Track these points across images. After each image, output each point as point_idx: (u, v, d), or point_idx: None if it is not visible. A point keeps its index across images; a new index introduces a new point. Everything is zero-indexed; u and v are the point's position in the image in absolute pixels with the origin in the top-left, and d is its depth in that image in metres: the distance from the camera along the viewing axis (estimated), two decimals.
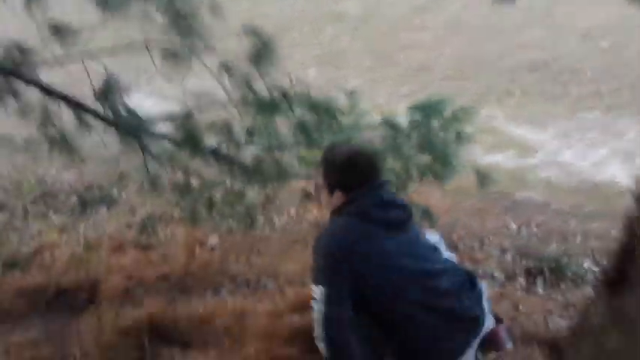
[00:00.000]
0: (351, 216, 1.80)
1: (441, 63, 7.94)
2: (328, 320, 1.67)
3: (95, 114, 3.06)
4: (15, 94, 3.00)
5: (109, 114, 3.01)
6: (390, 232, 1.79)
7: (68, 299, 2.86)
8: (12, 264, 3.29)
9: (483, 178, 3.40)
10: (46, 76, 2.95)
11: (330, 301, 1.68)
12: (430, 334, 1.73)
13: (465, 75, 7.42)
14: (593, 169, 4.88)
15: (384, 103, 6.25)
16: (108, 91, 3.00)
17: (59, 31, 2.94)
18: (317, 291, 1.69)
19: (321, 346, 1.69)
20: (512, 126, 5.93)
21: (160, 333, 2.45)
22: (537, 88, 6.85)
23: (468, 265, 3.34)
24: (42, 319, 2.66)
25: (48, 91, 3.00)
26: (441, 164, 3.38)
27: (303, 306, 2.72)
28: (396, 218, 1.84)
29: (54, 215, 4.47)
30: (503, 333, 1.87)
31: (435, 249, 1.93)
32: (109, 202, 4.56)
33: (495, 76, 7.30)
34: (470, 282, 1.85)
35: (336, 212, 1.87)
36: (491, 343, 1.87)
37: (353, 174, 1.86)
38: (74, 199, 4.72)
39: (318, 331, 1.69)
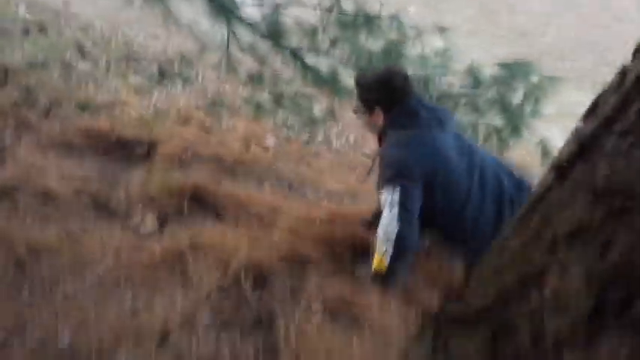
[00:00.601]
0: (407, 127, 2.03)
1: (544, 36, 7.57)
2: (403, 221, 1.97)
3: None
4: None
5: None
6: (441, 128, 2.07)
7: (127, 150, 3.09)
8: (84, 107, 3.57)
9: (547, 154, 3.35)
10: None
11: (403, 204, 1.96)
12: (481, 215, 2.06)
13: (564, 55, 7.06)
14: None
15: (475, 57, 6.07)
16: None
17: None
18: (387, 196, 1.97)
19: (385, 247, 2.00)
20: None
21: (199, 200, 2.64)
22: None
23: None
24: (99, 160, 2.91)
25: None
26: (510, 129, 3.35)
27: (334, 220, 2.86)
28: (444, 116, 2.12)
29: (133, 77, 4.75)
30: None
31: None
32: (185, 78, 4.78)
33: (596, 64, 6.90)
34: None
35: (385, 130, 2.10)
36: None
37: (392, 90, 2.05)
38: (155, 67, 4.96)
39: (388, 231, 1.98)
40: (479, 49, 6.60)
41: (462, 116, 3.49)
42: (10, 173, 2.44)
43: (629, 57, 0.74)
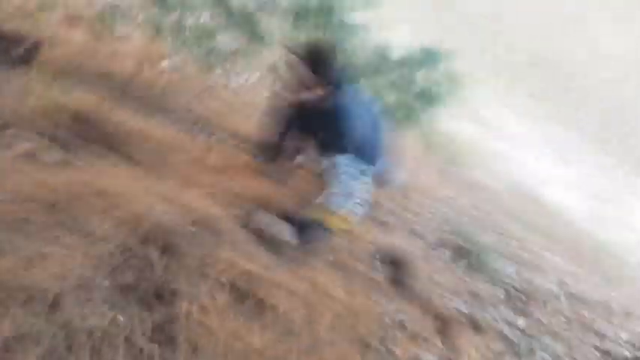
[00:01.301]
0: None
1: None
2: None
3: None
4: None
5: None
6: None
7: (3, 47, 2.68)
8: None
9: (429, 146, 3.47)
10: None
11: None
12: None
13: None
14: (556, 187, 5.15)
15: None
16: None
17: None
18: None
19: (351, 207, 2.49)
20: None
21: (80, 126, 2.38)
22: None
23: (407, 215, 3.51)
24: None
25: None
26: (403, 112, 3.41)
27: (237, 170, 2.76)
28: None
29: None
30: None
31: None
32: None
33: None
34: None
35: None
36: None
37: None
38: None
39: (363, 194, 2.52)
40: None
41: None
42: None
43: None
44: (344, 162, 2.49)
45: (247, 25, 3.21)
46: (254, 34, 3.22)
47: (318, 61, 2.51)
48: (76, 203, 1.87)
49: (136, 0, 4.27)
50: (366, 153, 2.60)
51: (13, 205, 1.79)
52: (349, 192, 2.49)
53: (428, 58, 3.25)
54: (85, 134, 2.40)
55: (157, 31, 3.55)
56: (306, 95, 2.59)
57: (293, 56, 2.52)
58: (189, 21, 3.95)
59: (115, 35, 3.54)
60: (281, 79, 3.61)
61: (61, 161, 2.10)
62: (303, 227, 2.47)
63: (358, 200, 2.52)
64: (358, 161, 2.54)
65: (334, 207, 2.46)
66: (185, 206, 2.09)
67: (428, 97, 3.27)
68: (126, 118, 2.65)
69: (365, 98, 2.84)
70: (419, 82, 3.28)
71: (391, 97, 3.37)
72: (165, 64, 3.61)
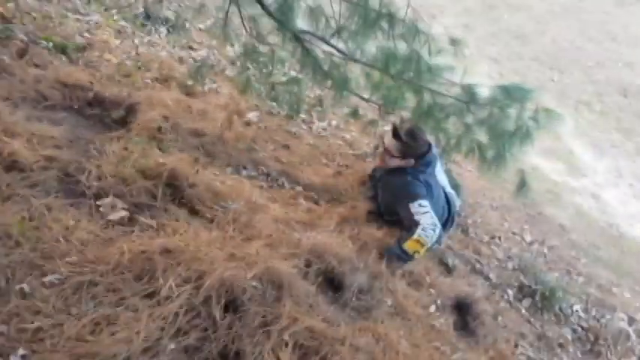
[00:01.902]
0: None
1: (539, 39, 7.40)
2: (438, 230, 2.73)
3: None
4: None
5: None
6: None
7: (103, 110, 2.78)
8: (62, 47, 3.19)
9: (522, 186, 3.26)
10: None
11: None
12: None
13: (556, 65, 6.95)
14: (628, 219, 4.71)
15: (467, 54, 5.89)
16: None
17: None
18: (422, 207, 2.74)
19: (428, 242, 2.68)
20: (574, 139, 5.64)
21: (174, 188, 2.41)
22: (619, 113, 6.43)
23: (470, 254, 3.30)
24: (73, 120, 2.60)
25: None
26: (494, 151, 3.22)
27: (309, 220, 2.70)
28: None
29: (116, 14, 4.30)
30: None
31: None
32: (172, 26, 4.39)
33: (584, 82, 6.84)
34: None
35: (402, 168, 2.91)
36: None
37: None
38: (140, 5, 4.52)
39: (432, 239, 2.69)
40: (472, 45, 6.40)
41: (449, 128, 3.35)
42: None
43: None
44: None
45: (333, 74, 3.14)
46: (339, 82, 3.15)
47: (406, 134, 2.84)
48: (141, 263, 1.87)
49: (224, 55, 4.37)
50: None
51: (81, 267, 1.81)
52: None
53: (517, 94, 3.04)
54: (176, 196, 2.42)
55: (245, 84, 3.57)
56: (389, 162, 2.96)
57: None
58: (276, 73, 3.96)
59: (206, 90, 3.62)
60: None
61: (141, 225, 2.11)
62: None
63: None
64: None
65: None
66: (249, 261, 2.05)
67: (520, 135, 3.06)
68: (215, 177, 2.67)
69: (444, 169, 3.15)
70: (510, 119, 3.08)
71: (482, 137, 3.19)
72: (252, 115, 3.64)
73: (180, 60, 3.99)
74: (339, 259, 2.38)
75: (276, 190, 2.92)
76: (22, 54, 2.83)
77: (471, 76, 3.38)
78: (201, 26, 4.70)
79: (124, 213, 2.14)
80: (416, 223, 2.70)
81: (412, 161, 2.89)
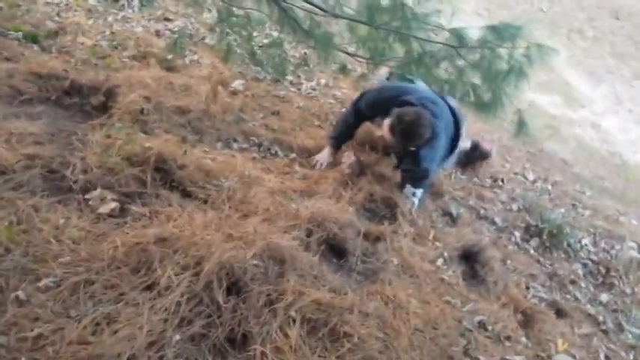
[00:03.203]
0: None
1: None
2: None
3: None
4: None
5: None
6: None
7: (82, 98, 2.67)
8: (33, 36, 3.05)
9: (522, 126, 3.16)
10: None
11: None
12: None
13: None
14: (630, 147, 4.61)
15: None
16: None
17: None
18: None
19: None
20: (569, 69, 5.48)
21: (164, 172, 2.32)
22: (613, 38, 6.22)
23: (474, 201, 3.24)
24: (51, 112, 2.49)
25: None
26: (489, 93, 3.11)
27: (306, 192, 2.62)
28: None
29: None
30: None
31: None
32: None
33: (574, 9, 6.59)
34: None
35: None
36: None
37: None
38: None
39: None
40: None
41: (441, 74, 3.23)
42: None
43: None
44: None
45: (315, 32, 3.00)
46: (322, 40, 3.02)
47: (402, 135, 2.58)
48: (136, 255, 1.81)
49: (202, 22, 4.19)
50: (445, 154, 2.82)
51: (75, 266, 1.75)
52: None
53: (506, 33, 2.91)
54: (167, 180, 2.34)
55: (226, 51, 3.43)
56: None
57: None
58: (257, 36, 3.80)
59: (187, 63, 3.48)
60: None
61: (133, 215, 2.04)
62: None
63: None
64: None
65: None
66: (247, 240, 1.99)
67: (513, 74, 2.94)
68: (205, 155, 2.58)
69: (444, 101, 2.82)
70: (502, 59, 2.96)
71: (475, 79, 3.08)
72: (237, 83, 3.51)
73: (157, 33, 3.83)
74: (340, 225, 2.32)
75: (270, 160, 2.83)
76: None
77: (458, 17, 3.23)
78: None
79: (114, 204, 2.07)
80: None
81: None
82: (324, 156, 2.94)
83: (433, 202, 2.96)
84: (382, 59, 3.28)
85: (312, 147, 3.08)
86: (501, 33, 2.94)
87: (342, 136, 2.96)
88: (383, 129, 2.64)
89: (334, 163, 2.91)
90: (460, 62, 3.10)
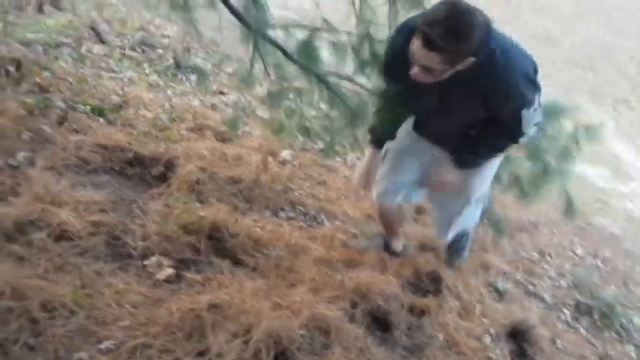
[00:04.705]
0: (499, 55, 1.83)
1: (567, 39, 7.25)
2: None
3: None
4: None
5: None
6: None
7: (144, 169, 2.88)
8: (99, 110, 3.34)
9: (569, 207, 3.15)
10: None
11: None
12: None
13: (590, 64, 6.79)
14: None
15: None
16: None
17: None
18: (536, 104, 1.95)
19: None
20: (617, 140, 5.47)
21: (217, 240, 2.47)
22: None
23: (521, 275, 3.23)
24: (115, 181, 2.71)
25: None
26: (536, 172, 3.13)
27: (351, 262, 2.70)
28: None
29: (148, 67, 4.48)
30: None
31: None
32: (202, 73, 4.52)
33: (620, 78, 6.65)
34: None
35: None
36: None
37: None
38: (170, 57, 4.69)
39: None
40: None
41: None
42: (23, 205, 2.24)
43: None
44: None
45: (362, 110, 3.17)
46: (367, 117, 3.17)
47: (445, 39, 1.67)
48: (190, 321, 1.92)
49: (253, 95, 4.47)
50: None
51: (134, 330, 1.86)
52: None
53: (553, 112, 2.97)
54: (219, 247, 2.48)
55: (280, 130, 3.64)
56: (437, 77, 1.83)
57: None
58: (305, 108, 4.01)
59: (240, 136, 3.70)
60: None
61: (188, 282, 2.17)
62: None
63: None
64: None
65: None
66: (294, 309, 2.08)
67: (560, 154, 2.98)
68: (254, 223, 2.72)
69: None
70: (548, 138, 2.99)
71: (522, 161, 3.10)
72: (285, 153, 3.71)
73: (213, 107, 4.11)
74: (385, 297, 2.38)
75: (316, 229, 2.95)
76: (61, 121, 2.98)
77: None
78: (230, 70, 4.84)
79: (170, 271, 2.21)
80: (520, 133, 2.03)
81: (471, 59, 1.75)
82: (361, 171, 2.38)
83: (479, 275, 2.98)
84: None
85: (358, 216, 3.19)
86: (547, 111, 3.03)
87: (381, 126, 2.30)
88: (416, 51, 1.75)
89: (366, 177, 2.37)
90: None
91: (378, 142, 2.32)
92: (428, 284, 2.70)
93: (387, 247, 2.83)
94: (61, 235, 2.19)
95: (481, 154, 2.20)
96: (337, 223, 3.10)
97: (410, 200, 2.57)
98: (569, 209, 2.96)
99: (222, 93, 4.45)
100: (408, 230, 3.08)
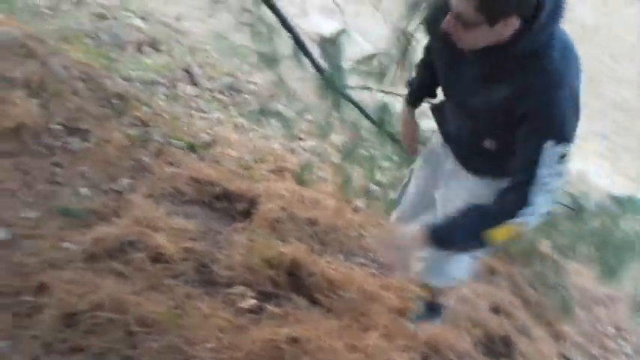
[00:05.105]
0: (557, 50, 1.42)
1: None
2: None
3: (309, 56, 3.18)
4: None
5: (320, 62, 3.12)
6: None
7: (229, 203, 3.07)
8: (191, 146, 3.59)
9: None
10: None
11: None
12: None
13: None
14: None
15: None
16: (332, 42, 3.09)
17: None
18: (553, 156, 1.41)
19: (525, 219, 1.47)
20: None
21: (295, 277, 2.58)
22: None
23: (596, 350, 3.14)
24: (204, 212, 2.90)
25: (283, 19, 3.16)
26: (607, 261, 3.08)
27: None
28: None
29: (234, 110, 4.77)
30: None
31: None
32: (283, 119, 4.76)
33: None
34: None
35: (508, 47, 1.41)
36: None
37: None
38: (255, 102, 4.99)
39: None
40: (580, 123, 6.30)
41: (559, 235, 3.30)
42: (124, 227, 2.44)
43: None
44: None
45: None
46: None
47: None
48: (270, 351, 2.01)
49: (330, 142, 4.66)
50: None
51: (219, 352, 1.96)
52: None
53: (629, 206, 2.97)
54: (297, 284, 2.59)
55: (352, 173, 3.79)
56: (468, 39, 1.45)
57: None
58: (380, 163, 4.14)
59: (316, 180, 3.86)
60: None
61: (268, 314, 2.28)
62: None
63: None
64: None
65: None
66: (365, 351, 2.13)
67: (629, 248, 2.95)
68: (329, 265, 2.81)
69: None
70: (622, 231, 2.96)
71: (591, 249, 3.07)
72: (359, 201, 3.83)
73: (292, 151, 4.32)
74: (457, 354, 2.39)
75: (388, 278, 3.00)
76: (159, 153, 3.23)
77: (581, 156, 3.36)
78: (309, 118, 5.07)
79: (252, 302, 2.33)
80: (530, 191, 1.44)
81: (516, 23, 1.36)
82: (402, 132, 2.17)
83: (552, 345, 2.93)
84: None
85: None
86: (623, 204, 3.02)
87: (416, 81, 2.01)
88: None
89: (409, 132, 2.14)
90: (580, 226, 3.13)
91: (411, 96, 2.04)
92: (500, 347, 2.69)
93: None
94: (157, 258, 2.37)
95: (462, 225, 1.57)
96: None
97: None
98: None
99: (300, 139, 4.66)
100: (480, 290, 3.09)
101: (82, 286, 2.09)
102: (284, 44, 3.29)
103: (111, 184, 2.81)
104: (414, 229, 1.65)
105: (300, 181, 3.80)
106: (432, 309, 2.57)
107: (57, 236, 2.36)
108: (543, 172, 1.41)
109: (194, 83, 4.98)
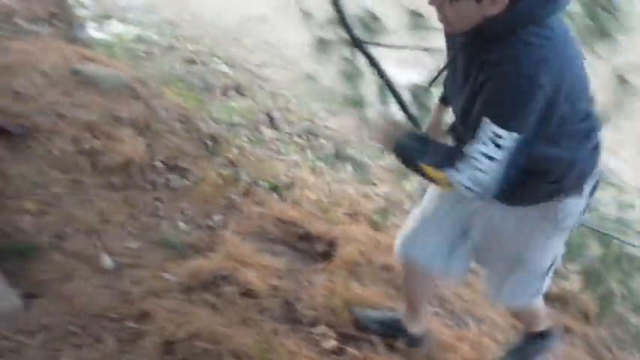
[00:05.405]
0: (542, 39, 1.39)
1: None
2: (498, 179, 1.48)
3: (401, 101, 3.32)
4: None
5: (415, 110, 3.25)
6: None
7: (310, 245, 3.22)
8: (274, 187, 3.80)
9: None
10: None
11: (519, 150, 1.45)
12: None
13: None
14: None
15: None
16: (425, 89, 3.23)
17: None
18: (494, 133, 1.40)
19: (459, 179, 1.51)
20: None
21: None
22: None
23: None
24: (287, 252, 3.07)
25: (375, 64, 3.33)
26: None
27: None
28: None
29: (310, 154, 4.99)
30: None
31: None
32: (358, 165, 4.94)
33: None
34: None
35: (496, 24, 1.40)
36: None
37: None
38: (331, 146, 5.19)
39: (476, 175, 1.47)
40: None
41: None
42: (218, 261, 2.62)
43: None
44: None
45: None
46: None
47: None
48: None
49: (402, 191, 4.77)
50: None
51: None
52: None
53: None
54: None
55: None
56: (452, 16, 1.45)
57: None
58: None
59: (390, 227, 3.96)
60: None
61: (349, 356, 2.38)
62: None
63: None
64: None
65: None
66: None
67: None
68: None
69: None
70: None
71: None
72: None
73: (366, 196, 4.46)
74: None
75: (463, 330, 3.03)
76: (247, 193, 3.44)
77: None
78: (382, 164, 5.22)
79: (334, 342, 2.44)
80: (460, 158, 1.50)
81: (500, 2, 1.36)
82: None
83: None
84: (576, 255, 3.40)
85: (503, 323, 3.23)
86: None
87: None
88: None
89: (433, 124, 2.12)
90: None
91: (442, 94, 2.04)
92: None
93: (400, 329, 2.46)
94: (247, 293, 2.53)
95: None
96: (482, 327, 3.16)
97: (451, 271, 2.13)
98: None
99: (374, 184, 4.80)
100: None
101: (181, 316, 2.27)
102: (368, 89, 3.50)
103: (206, 220, 3.03)
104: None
105: (375, 226, 3.92)
106: (529, 342, 2.41)
107: (158, 266, 2.58)
108: (475, 147, 1.45)
109: (274, 127, 5.25)
